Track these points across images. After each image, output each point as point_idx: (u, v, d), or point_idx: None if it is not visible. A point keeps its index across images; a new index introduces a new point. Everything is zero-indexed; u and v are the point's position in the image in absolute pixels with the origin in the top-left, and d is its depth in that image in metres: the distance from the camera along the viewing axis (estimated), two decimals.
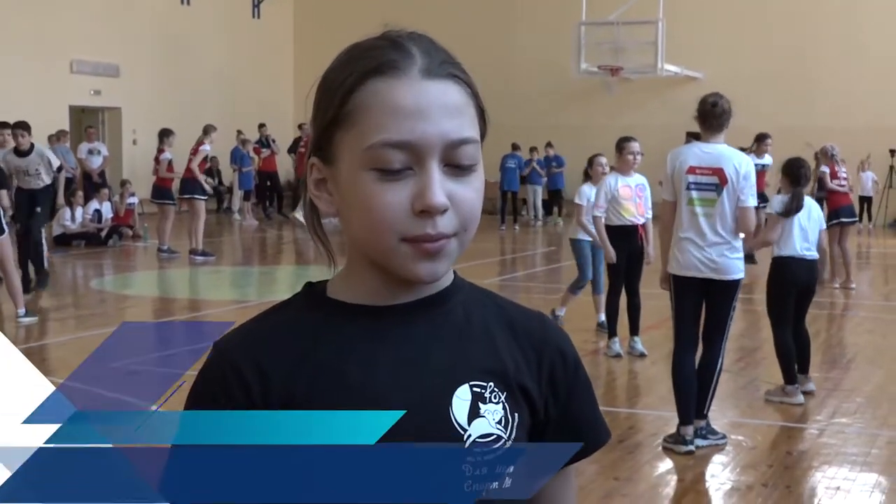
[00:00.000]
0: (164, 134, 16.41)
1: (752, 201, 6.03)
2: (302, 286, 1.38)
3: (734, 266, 5.98)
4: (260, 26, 28.21)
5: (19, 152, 12.09)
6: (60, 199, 13.47)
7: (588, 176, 9.42)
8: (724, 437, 6.26)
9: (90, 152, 20.87)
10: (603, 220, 8.58)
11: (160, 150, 16.32)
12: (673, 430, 6.20)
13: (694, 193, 5.98)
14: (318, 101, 1.30)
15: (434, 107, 1.24)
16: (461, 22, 26.23)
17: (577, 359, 1.40)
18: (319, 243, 1.38)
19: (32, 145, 12.20)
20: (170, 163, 16.13)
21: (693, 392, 6.08)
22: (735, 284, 6.01)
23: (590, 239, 9.17)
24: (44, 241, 12.19)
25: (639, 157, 8.66)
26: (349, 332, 1.31)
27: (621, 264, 8.65)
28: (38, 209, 12.01)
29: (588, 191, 9.12)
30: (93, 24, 23.15)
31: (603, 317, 9.52)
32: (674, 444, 6.10)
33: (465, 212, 1.27)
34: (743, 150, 7.23)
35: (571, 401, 1.38)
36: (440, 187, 1.24)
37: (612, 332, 8.96)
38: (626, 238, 8.60)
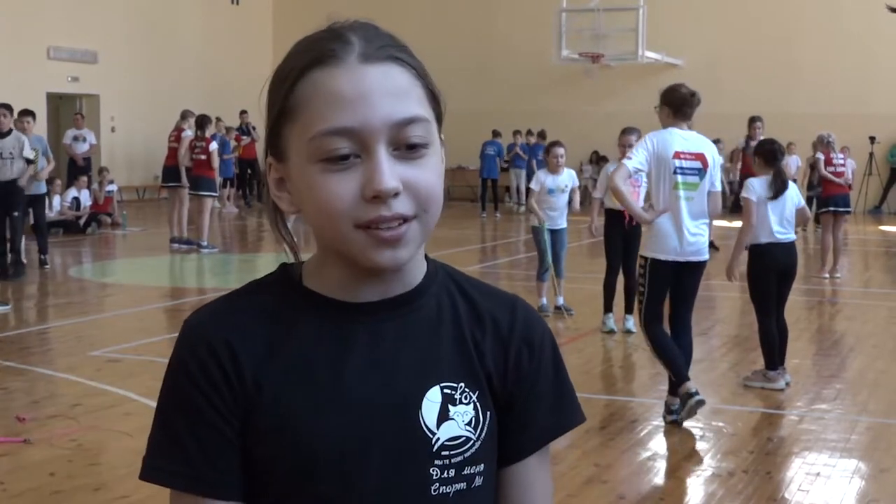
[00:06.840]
0: (206, 122, 15.53)
1: (720, 186, 6.40)
2: (277, 267, 1.34)
3: (705, 248, 6.33)
4: (239, 12, 28.06)
5: None
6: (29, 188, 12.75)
7: (545, 163, 9.79)
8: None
9: (76, 139, 20.75)
10: (601, 202, 9.15)
11: (206, 139, 15.27)
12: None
13: (679, 178, 6.14)
14: (268, 98, 1.28)
15: (375, 90, 1.20)
16: (441, 9, 26.17)
17: (544, 344, 1.36)
18: (284, 243, 1.34)
19: (11, 129, 12.19)
20: (210, 152, 15.08)
21: (679, 352, 6.25)
22: (704, 264, 6.35)
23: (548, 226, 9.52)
24: (22, 238, 12.40)
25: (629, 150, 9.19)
26: (320, 329, 1.28)
27: (618, 245, 8.99)
28: (16, 213, 12.09)
29: (543, 177, 9.54)
30: (70, 9, 22.96)
31: (562, 300, 9.83)
32: (683, 402, 6.19)
33: (421, 193, 1.22)
34: (716, 142, 7.54)
35: (534, 385, 1.34)
36: (390, 171, 1.20)
37: (607, 308, 9.21)
38: (621, 221, 8.87)
